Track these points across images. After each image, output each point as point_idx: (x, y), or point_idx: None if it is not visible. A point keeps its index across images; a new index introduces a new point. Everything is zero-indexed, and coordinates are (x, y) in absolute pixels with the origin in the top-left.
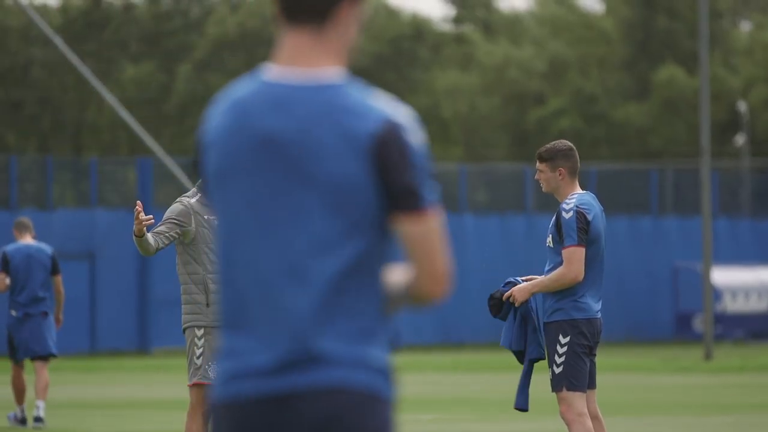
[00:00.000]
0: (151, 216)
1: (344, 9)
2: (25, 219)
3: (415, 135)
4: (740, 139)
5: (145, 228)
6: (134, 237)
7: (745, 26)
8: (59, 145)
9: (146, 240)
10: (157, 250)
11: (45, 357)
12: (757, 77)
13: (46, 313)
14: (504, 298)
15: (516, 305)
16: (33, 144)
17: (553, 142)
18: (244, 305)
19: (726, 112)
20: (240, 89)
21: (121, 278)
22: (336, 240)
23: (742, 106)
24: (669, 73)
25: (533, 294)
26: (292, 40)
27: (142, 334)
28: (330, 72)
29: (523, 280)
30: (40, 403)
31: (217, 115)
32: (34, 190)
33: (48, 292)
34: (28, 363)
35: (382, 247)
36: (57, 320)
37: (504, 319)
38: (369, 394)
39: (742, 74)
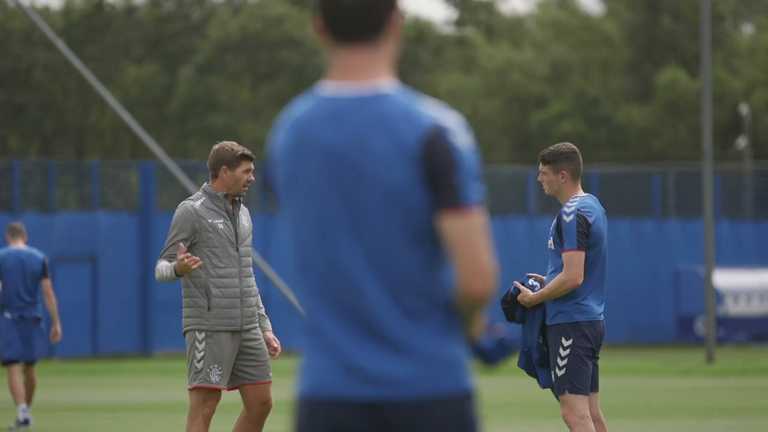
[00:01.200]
0: (198, 260)
1: (392, 22)
2: (18, 224)
3: (461, 138)
4: (742, 142)
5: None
6: (173, 274)
7: (747, 29)
8: (61, 148)
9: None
10: None
11: (32, 362)
12: (759, 80)
13: (38, 319)
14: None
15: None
16: (35, 147)
17: (557, 145)
18: (322, 308)
19: (728, 115)
20: (300, 107)
21: (123, 281)
22: (395, 244)
23: (744, 109)
24: (671, 75)
25: (537, 302)
26: (347, 57)
27: (143, 337)
28: (382, 82)
29: (528, 277)
30: (27, 408)
31: (281, 132)
32: (37, 193)
33: (40, 296)
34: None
35: (440, 249)
36: (55, 333)
37: (521, 322)
38: (453, 392)
39: (744, 77)
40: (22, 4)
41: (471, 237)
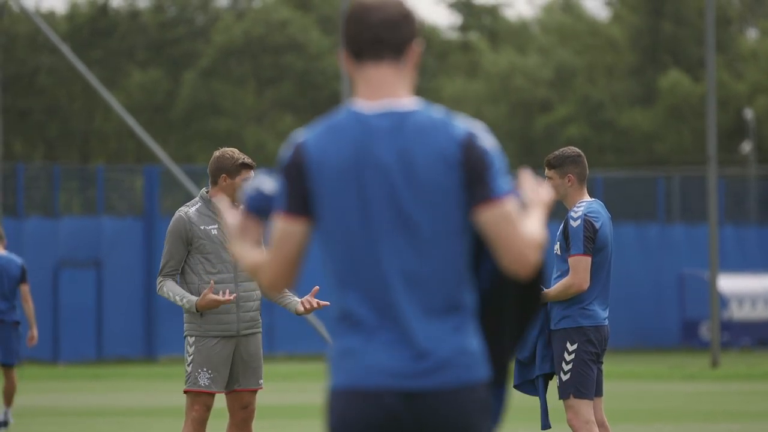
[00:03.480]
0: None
1: (413, 47)
2: None
3: (489, 141)
4: (746, 147)
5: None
6: (193, 309)
7: (752, 33)
8: (66, 153)
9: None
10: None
11: (10, 365)
12: (763, 84)
13: (17, 323)
14: None
15: None
16: (40, 151)
17: (562, 149)
18: (365, 309)
19: (732, 119)
20: (338, 121)
21: (128, 286)
22: (440, 243)
23: (749, 113)
24: (673, 79)
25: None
26: (372, 74)
27: (148, 342)
28: (409, 100)
29: None
30: (7, 411)
31: (319, 143)
32: (41, 197)
33: (18, 301)
34: None
35: (469, 249)
36: (32, 337)
37: None
38: (473, 380)
39: (748, 81)
40: (26, 9)
41: (506, 224)
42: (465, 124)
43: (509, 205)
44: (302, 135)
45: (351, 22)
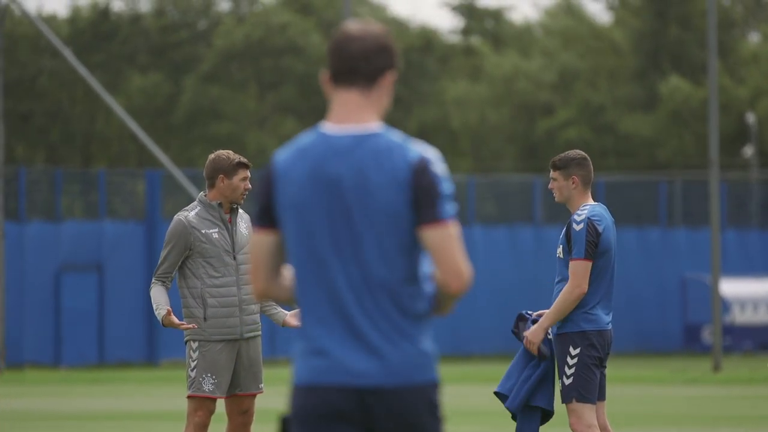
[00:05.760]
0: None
1: (386, 77)
2: None
3: (440, 167)
4: (749, 151)
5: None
6: (161, 320)
7: (754, 37)
8: (68, 157)
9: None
10: (168, 289)
11: None
12: (764, 88)
13: None
14: (525, 344)
15: (537, 353)
16: (42, 155)
17: (568, 151)
18: (322, 313)
19: (734, 124)
20: (306, 140)
21: (130, 289)
22: (389, 257)
23: (750, 118)
24: (674, 84)
25: (547, 330)
26: (344, 98)
27: (150, 346)
28: (374, 124)
29: (534, 315)
30: None
31: (287, 160)
32: (43, 201)
33: None
34: None
35: (419, 262)
36: None
37: (544, 358)
38: (423, 381)
39: (750, 85)
40: (28, 13)
41: (449, 244)
42: (420, 149)
43: (452, 228)
44: (278, 155)
45: (333, 48)
